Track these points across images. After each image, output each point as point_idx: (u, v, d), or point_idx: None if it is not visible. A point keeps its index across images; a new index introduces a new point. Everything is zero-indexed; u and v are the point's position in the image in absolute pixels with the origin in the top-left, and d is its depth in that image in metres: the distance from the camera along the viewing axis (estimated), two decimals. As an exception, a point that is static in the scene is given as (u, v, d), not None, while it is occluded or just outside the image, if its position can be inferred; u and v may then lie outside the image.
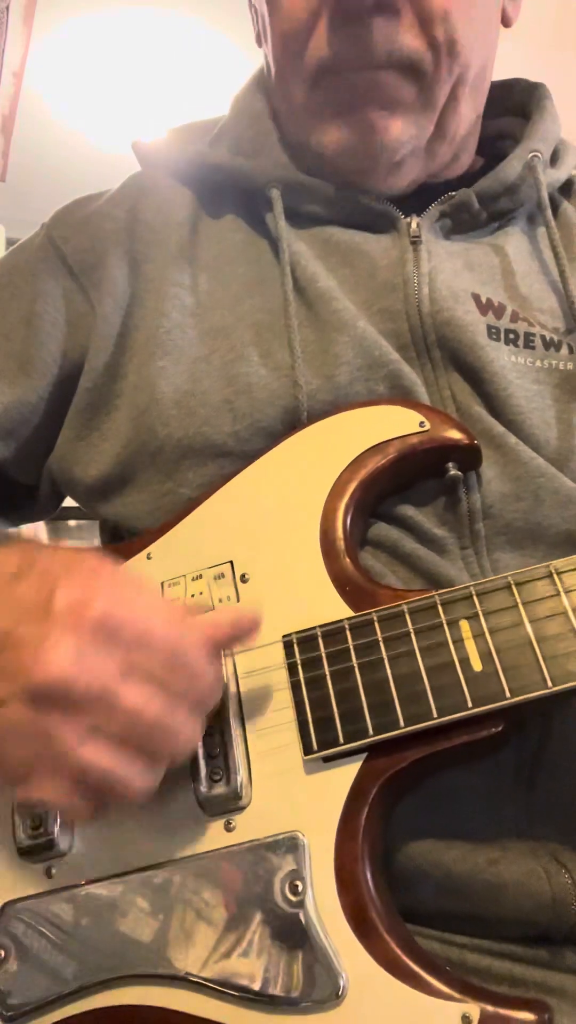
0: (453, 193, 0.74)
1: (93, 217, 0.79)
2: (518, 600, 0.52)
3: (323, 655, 0.54)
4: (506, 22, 0.78)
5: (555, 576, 0.52)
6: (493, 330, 0.68)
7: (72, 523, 2.27)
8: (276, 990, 0.47)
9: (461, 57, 0.70)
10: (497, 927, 0.54)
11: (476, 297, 0.69)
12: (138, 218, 0.78)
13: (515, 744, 0.56)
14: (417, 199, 0.75)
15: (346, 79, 0.69)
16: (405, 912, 0.51)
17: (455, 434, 0.61)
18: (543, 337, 0.68)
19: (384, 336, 0.67)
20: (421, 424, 0.61)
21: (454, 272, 0.71)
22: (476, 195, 0.74)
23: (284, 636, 0.55)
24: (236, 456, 0.65)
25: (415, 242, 0.72)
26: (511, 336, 0.68)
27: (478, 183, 0.75)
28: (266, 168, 0.75)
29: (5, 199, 3.00)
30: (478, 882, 0.53)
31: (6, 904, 0.54)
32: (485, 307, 0.69)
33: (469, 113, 0.76)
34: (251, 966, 0.48)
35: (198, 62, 2.79)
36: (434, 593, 0.54)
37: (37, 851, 0.54)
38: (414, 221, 0.73)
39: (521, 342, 0.68)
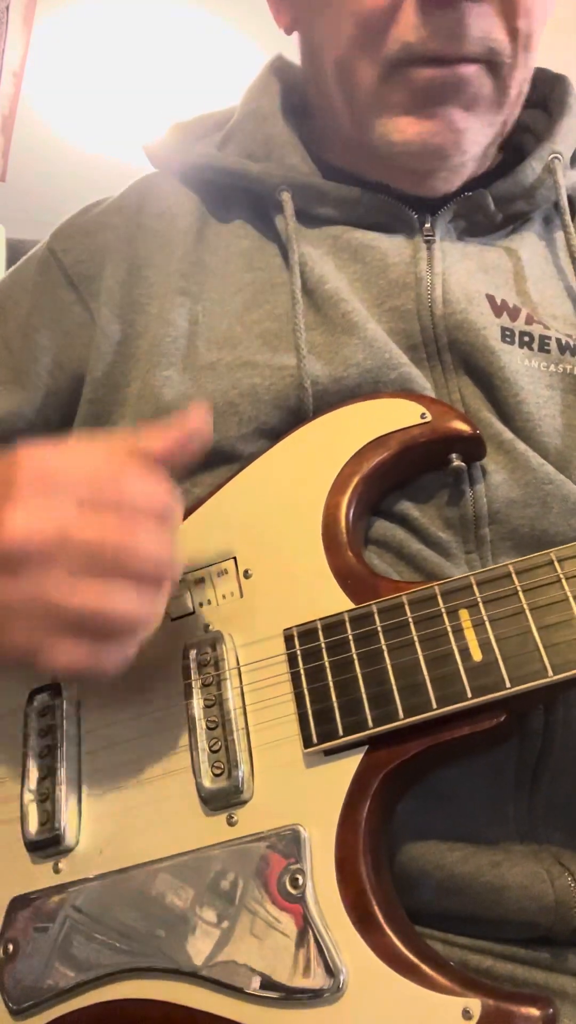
0: (469, 193, 0.73)
1: (92, 227, 0.78)
2: (518, 588, 0.51)
3: (323, 646, 0.53)
4: None
5: (556, 563, 0.51)
6: (507, 332, 0.66)
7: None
8: (276, 984, 0.46)
9: (533, 55, 0.68)
10: (499, 928, 0.53)
11: (491, 299, 0.68)
12: (140, 224, 0.77)
13: (518, 745, 0.55)
14: (431, 198, 0.73)
15: (430, 74, 0.66)
16: (407, 912, 0.50)
17: (457, 424, 0.60)
18: (559, 341, 0.67)
19: (394, 335, 0.66)
20: (423, 416, 0.60)
21: (468, 273, 0.70)
22: (492, 197, 0.73)
23: (285, 629, 0.55)
24: (245, 460, 0.64)
25: (428, 241, 0.71)
26: (526, 339, 0.66)
27: (495, 185, 0.73)
28: (277, 171, 0.74)
29: (5, 199, 2.98)
30: (480, 883, 0.52)
31: (14, 899, 0.54)
32: (500, 308, 0.67)
33: (514, 117, 0.74)
34: (252, 960, 0.47)
35: (199, 61, 2.76)
36: (434, 584, 0.53)
37: (44, 846, 0.55)
38: (428, 220, 0.72)
39: (536, 345, 0.66)
